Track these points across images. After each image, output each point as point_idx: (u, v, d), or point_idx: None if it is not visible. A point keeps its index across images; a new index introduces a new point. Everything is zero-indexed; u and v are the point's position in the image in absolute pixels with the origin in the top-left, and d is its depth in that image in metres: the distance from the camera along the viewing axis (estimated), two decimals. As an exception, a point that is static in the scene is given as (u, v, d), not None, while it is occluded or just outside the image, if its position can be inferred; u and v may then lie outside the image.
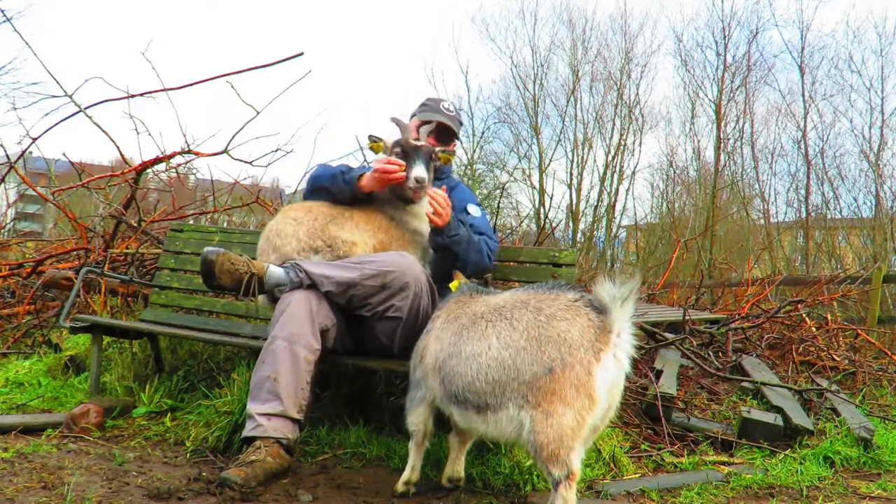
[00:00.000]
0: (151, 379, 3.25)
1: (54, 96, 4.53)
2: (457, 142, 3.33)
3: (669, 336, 4.34)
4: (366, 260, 2.63)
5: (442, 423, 2.39)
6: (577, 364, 1.89)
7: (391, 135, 2.94)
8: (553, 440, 1.87)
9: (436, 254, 2.90)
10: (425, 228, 2.85)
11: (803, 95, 15.64)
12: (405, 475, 2.36)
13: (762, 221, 15.95)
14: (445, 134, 3.18)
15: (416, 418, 2.31)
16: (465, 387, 2.03)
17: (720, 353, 4.67)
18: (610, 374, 1.92)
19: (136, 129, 4.76)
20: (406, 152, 2.76)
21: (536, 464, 1.95)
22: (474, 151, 18.68)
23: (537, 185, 18.14)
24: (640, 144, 18.67)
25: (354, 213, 2.83)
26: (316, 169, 3.09)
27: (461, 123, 3.33)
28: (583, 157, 18.55)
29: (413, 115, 3.28)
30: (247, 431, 2.41)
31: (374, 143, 2.89)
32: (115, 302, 4.34)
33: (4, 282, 5.00)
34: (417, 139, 2.82)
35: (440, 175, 3.18)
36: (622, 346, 1.94)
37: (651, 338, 4.22)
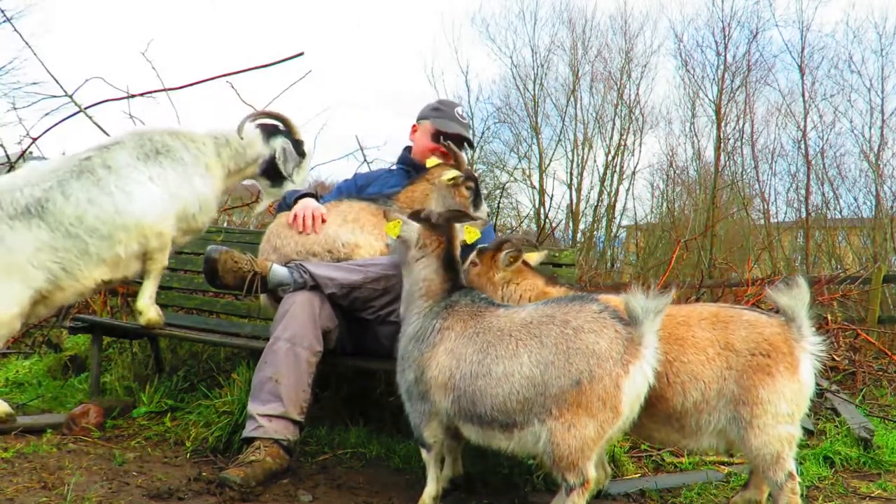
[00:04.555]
0: (151, 379, 3.25)
1: (54, 96, 4.55)
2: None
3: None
4: (370, 263, 2.62)
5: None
6: (606, 376, 1.86)
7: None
8: (574, 451, 1.85)
9: None
10: None
11: (803, 95, 15.60)
12: (431, 490, 2.23)
13: (762, 221, 15.92)
14: (460, 144, 3.10)
15: (432, 432, 2.20)
16: (496, 406, 1.97)
17: (720, 354, 4.65)
18: (637, 386, 1.89)
19: (136, 130, 4.76)
20: (477, 192, 2.91)
21: (552, 470, 1.93)
22: (474, 151, 18.66)
23: (537, 185, 18.10)
24: (640, 144, 18.53)
25: (361, 215, 2.80)
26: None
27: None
28: (583, 157, 18.49)
29: (424, 118, 3.20)
30: (247, 432, 2.42)
31: (453, 179, 2.87)
32: (115, 302, 4.34)
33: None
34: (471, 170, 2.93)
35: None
36: (650, 359, 1.90)
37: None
